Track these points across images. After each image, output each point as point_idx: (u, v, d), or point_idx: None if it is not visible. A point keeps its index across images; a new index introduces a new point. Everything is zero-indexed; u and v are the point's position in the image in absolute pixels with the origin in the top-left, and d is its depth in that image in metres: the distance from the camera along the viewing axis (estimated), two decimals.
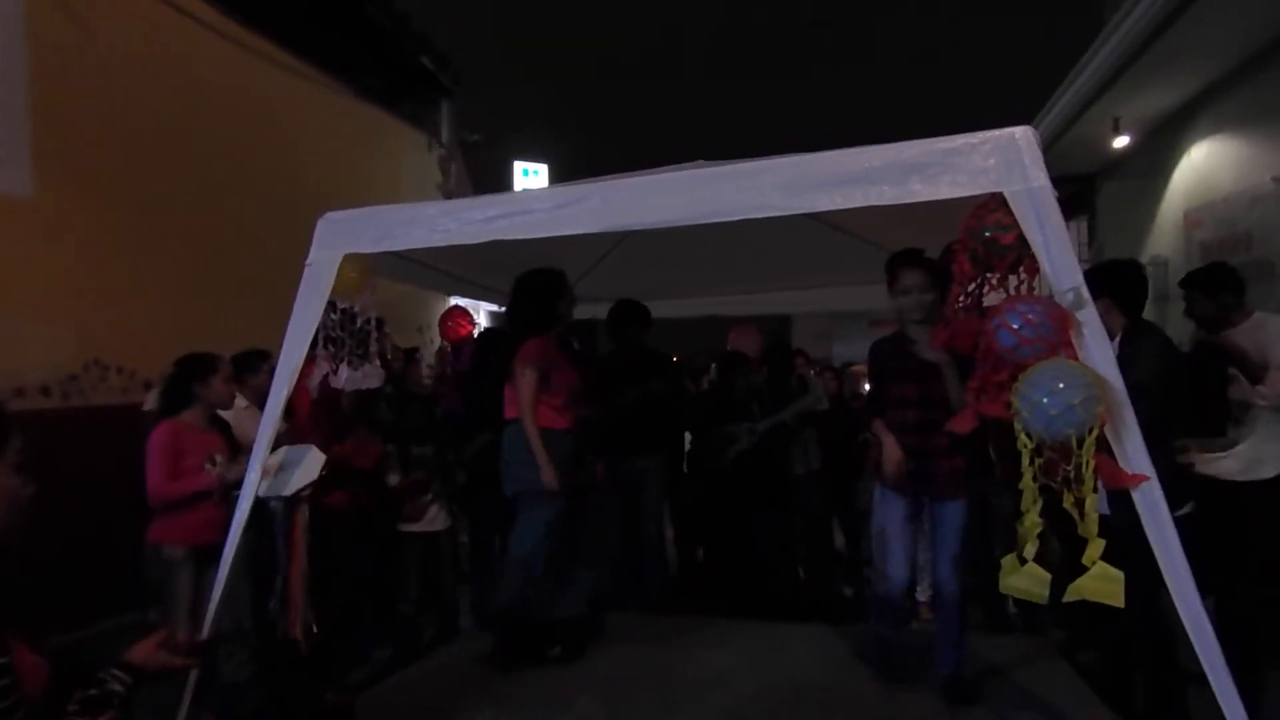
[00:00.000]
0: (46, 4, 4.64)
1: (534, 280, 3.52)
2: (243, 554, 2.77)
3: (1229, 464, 2.80)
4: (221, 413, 3.51)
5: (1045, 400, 1.83)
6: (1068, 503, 1.89)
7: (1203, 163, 5.24)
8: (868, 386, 3.43)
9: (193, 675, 2.60)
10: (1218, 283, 3.04)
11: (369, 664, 3.62)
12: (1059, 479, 1.90)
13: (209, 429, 3.08)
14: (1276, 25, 4.12)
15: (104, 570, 3.91)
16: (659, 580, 4.43)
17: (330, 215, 2.81)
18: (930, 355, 2.76)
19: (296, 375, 2.78)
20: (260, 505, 2.77)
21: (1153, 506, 1.92)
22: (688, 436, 4.86)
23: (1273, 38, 4.23)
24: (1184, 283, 3.15)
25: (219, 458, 3.01)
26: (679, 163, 3.01)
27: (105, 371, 4.85)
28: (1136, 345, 2.72)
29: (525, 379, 3.34)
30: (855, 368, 5.83)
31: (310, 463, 2.85)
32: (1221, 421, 2.85)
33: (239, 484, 2.91)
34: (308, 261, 2.79)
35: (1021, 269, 2.11)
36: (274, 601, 2.81)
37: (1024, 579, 1.91)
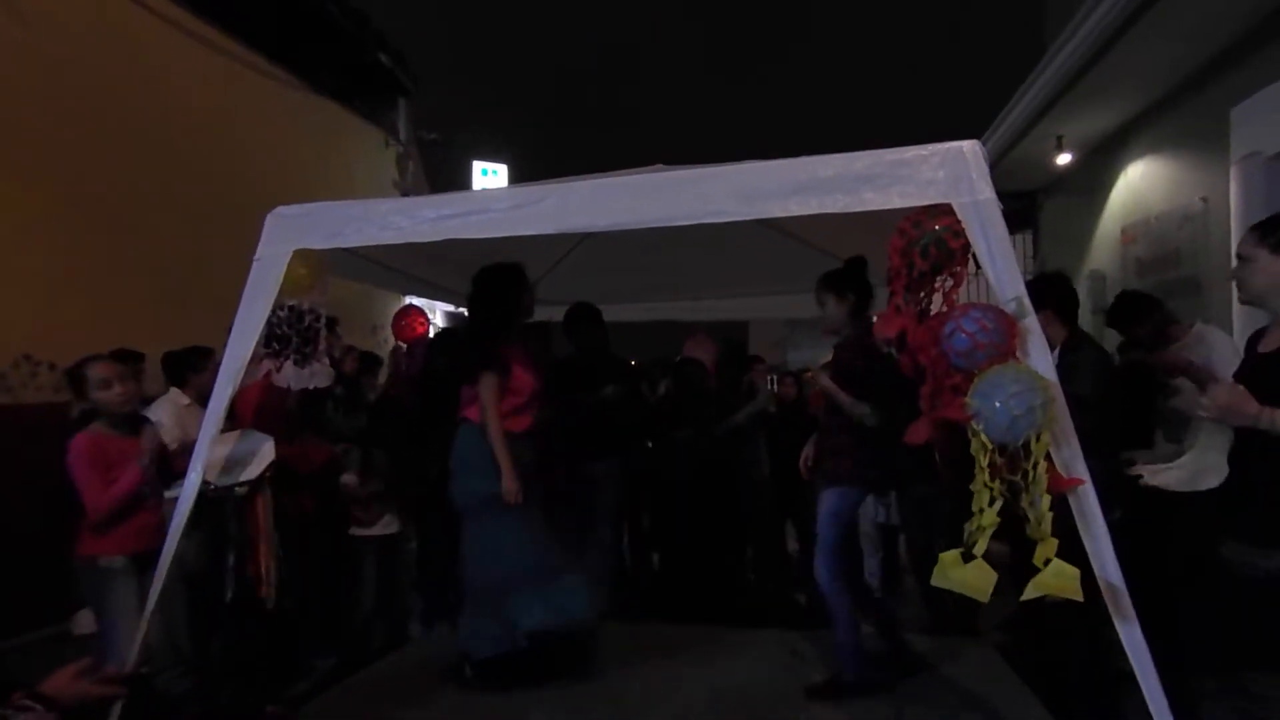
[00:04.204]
0: None
1: (490, 275, 3.37)
2: (179, 560, 2.68)
3: (1174, 476, 2.89)
4: (163, 413, 3.39)
5: (1003, 403, 1.87)
6: (1025, 502, 1.92)
7: (1138, 182, 5.49)
8: None
9: (118, 705, 2.41)
10: (1142, 306, 3.17)
11: (312, 674, 3.53)
12: (1014, 479, 1.94)
13: (123, 435, 2.87)
14: (1202, 56, 4.36)
15: (32, 579, 3.73)
16: (614, 585, 4.42)
17: (280, 210, 2.74)
18: None
19: (241, 374, 2.70)
20: (207, 502, 2.68)
21: (1088, 510, 1.99)
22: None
23: (1199, 67, 4.47)
24: (1115, 321, 3.24)
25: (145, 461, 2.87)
26: (638, 165, 3.03)
27: (35, 368, 4.63)
28: (1077, 355, 2.82)
29: (487, 381, 3.19)
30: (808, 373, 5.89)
31: (264, 447, 2.82)
32: (1148, 434, 2.97)
33: (168, 470, 2.83)
34: (255, 257, 2.71)
35: (952, 275, 2.17)
36: (230, 590, 2.72)
37: (970, 574, 1.95)
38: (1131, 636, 1.94)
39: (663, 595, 4.47)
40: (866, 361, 2.96)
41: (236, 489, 2.72)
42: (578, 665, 3.32)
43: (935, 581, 2.02)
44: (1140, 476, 2.99)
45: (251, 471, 2.74)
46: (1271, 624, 1.83)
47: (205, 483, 2.68)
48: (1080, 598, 1.84)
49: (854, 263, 3.16)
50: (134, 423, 2.97)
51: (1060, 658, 2.94)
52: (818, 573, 3.04)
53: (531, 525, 3.21)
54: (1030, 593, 1.89)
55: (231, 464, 2.75)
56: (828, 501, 3.07)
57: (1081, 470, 1.99)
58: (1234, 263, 2.07)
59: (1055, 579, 1.86)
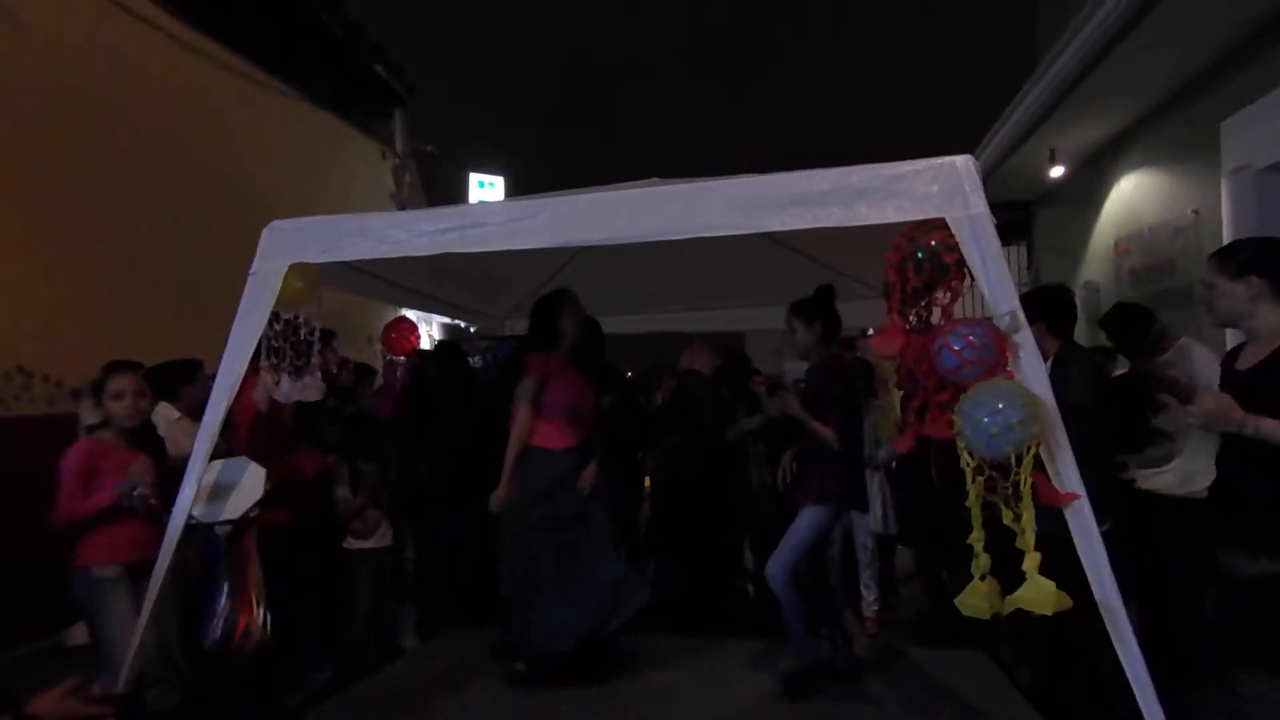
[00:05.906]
0: None
1: (538, 304, 3.55)
2: (173, 574, 2.66)
3: (1165, 480, 2.94)
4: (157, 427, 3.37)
5: (986, 419, 1.88)
6: (1007, 518, 1.94)
7: (1130, 194, 5.53)
8: None
9: None
10: (1145, 317, 3.19)
11: (307, 686, 3.50)
12: (998, 495, 1.96)
13: (129, 447, 2.85)
14: (1193, 70, 4.41)
15: (25, 591, 3.70)
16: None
17: (276, 223, 2.75)
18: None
19: (237, 387, 2.69)
20: (196, 525, 2.66)
21: (1083, 523, 1.99)
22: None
23: (1190, 80, 4.52)
24: (1112, 328, 3.26)
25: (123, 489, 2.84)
26: (634, 178, 3.04)
27: (29, 380, 4.61)
28: (1069, 367, 2.84)
29: (518, 396, 3.35)
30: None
31: (251, 479, 2.76)
32: (1140, 443, 2.99)
33: (155, 499, 2.75)
34: (251, 270, 2.72)
35: (948, 290, 2.19)
36: (216, 624, 2.69)
37: (973, 595, 1.96)
38: (1127, 650, 1.94)
39: (659, 606, 4.44)
40: (838, 384, 3.21)
41: (217, 528, 2.67)
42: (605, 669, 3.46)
43: (958, 604, 2.03)
44: (1133, 480, 3.02)
45: (234, 510, 2.68)
46: (1260, 626, 1.84)
47: (189, 515, 2.65)
48: (1051, 612, 1.86)
49: (822, 291, 3.35)
50: (143, 438, 2.96)
51: (1055, 667, 2.94)
52: (771, 574, 3.14)
53: (606, 536, 3.47)
54: (1007, 606, 1.92)
55: (215, 497, 2.70)
56: (811, 516, 3.20)
57: (1076, 483, 1.99)
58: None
59: (1031, 593, 1.87)
